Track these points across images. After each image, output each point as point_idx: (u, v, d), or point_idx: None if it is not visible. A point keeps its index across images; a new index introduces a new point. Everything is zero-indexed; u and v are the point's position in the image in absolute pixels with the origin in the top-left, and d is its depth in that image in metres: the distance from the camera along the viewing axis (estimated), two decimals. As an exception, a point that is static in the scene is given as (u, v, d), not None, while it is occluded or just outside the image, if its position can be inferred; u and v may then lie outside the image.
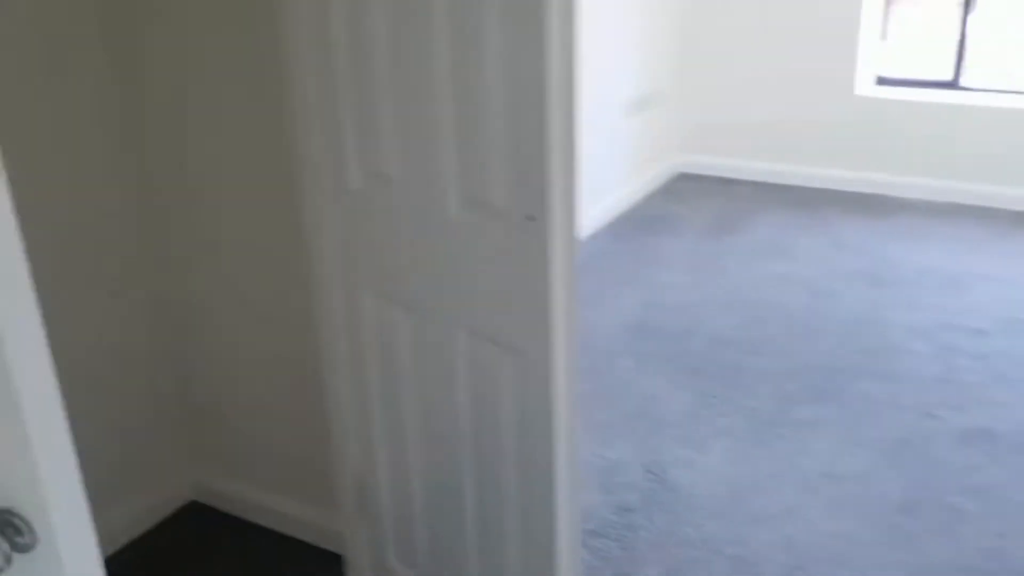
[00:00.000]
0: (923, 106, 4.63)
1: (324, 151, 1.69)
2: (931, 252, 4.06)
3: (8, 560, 0.78)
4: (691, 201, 4.89)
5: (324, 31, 1.59)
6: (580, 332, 1.50)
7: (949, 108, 4.56)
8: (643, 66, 4.74)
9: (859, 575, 2.17)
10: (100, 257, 2.17)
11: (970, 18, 4.56)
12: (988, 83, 4.71)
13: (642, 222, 4.62)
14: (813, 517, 2.38)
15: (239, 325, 2.24)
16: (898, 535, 2.30)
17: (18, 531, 0.80)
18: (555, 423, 1.51)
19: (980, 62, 4.70)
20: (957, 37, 4.61)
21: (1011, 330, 3.33)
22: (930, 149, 4.62)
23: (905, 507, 2.40)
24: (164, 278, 2.27)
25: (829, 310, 3.55)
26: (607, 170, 4.54)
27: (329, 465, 2.07)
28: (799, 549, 2.26)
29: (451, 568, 1.87)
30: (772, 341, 3.32)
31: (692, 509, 2.42)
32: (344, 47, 1.56)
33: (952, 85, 4.68)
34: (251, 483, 2.40)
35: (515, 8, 1.27)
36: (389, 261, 1.68)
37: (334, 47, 1.58)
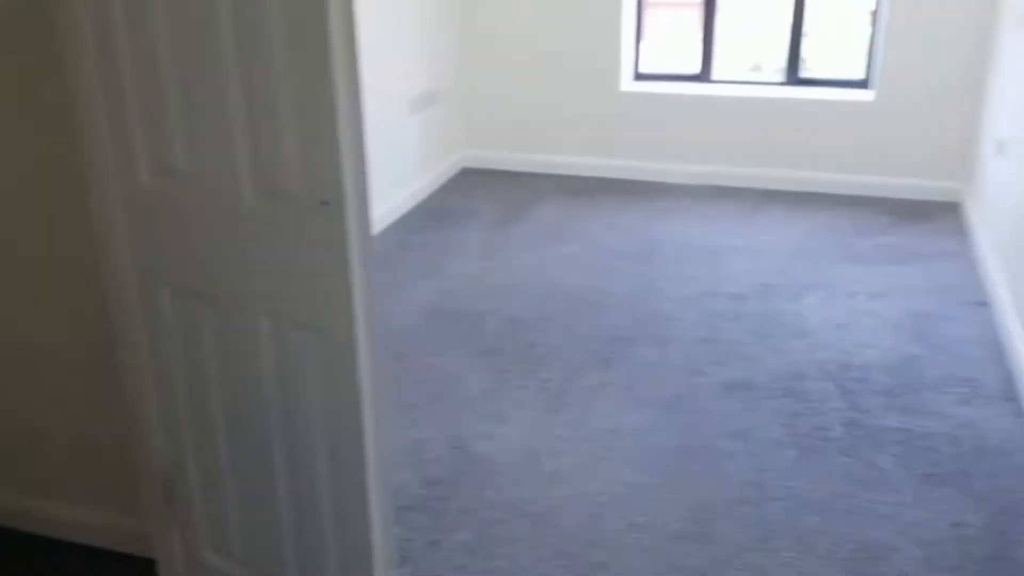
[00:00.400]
0: (677, 98, 5.09)
1: (112, 149, 1.68)
2: (693, 230, 4.50)
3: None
4: (478, 194, 5.10)
5: (104, 27, 1.59)
6: (380, 321, 1.60)
7: (700, 99, 5.06)
8: (424, 66, 4.89)
9: (644, 515, 2.43)
10: None
11: (715, 19, 5.06)
12: (733, 75, 5.27)
13: (433, 216, 4.78)
14: (602, 470, 2.62)
15: (26, 327, 2.15)
16: (676, 478, 2.59)
17: None
18: (363, 400, 1.60)
19: (726, 57, 5.25)
20: (703, 35, 5.11)
21: (763, 293, 3.77)
22: (686, 137, 5.10)
23: (680, 453, 2.70)
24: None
25: (607, 286, 3.86)
26: (396, 167, 4.65)
27: (131, 465, 2.04)
28: (591, 499, 2.49)
29: (268, 553, 1.91)
30: (559, 317, 3.57)
31: (494, 476, 2.59)
32: (126, 42, 1.58)
33: (701, 78, 5.18)
34: (37, 493, 2.31)
35: None
36: (187, 255, 1.71)
37: (116, 41, 1.59)
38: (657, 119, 5.13)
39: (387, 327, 3.44)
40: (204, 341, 1.76)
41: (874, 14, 4.79)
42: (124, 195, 1.73)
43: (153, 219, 1.73)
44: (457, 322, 3.55)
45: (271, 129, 1.46)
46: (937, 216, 4.60)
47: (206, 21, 1.46)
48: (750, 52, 6.01)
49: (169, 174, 1.65)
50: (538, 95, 5.27)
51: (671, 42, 5.83)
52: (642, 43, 5.25)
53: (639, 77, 5.28)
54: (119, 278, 1.83)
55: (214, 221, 1.62)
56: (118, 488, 2.17)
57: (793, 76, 5.02)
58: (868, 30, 4.86)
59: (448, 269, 4.07)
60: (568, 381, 3.10)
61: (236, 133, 1.51)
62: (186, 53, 1.52)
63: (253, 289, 1.64)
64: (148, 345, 1.85)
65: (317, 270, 1.52)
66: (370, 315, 1.57)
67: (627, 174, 5.24)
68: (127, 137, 1.66)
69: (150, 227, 1.74)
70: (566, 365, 3.21)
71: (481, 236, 4.47)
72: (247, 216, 1.57)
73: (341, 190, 1.41)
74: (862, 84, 4.90)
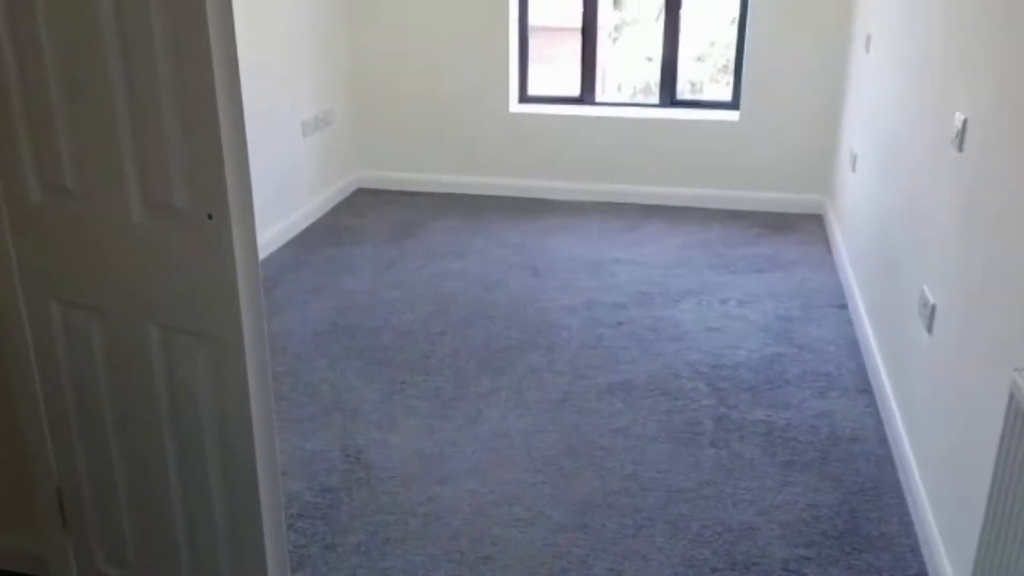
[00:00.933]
0: (562, 119, 5.33)
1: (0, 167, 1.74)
2: (578, 244, 4.72)
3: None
4: (373, 213, 5.20)
5: (-11, 52, 1.65)
6: (274, 337, 1.69)
7: (583, 120, 5.30)
8: (318, 88, 4.98)
9: (530, 511, 2.57)
10: None
11: (596, 44, 5.33)
12: (613, 97, 5.54)
13: (327, 235, 4.85)
14: (490, 471, 2.76)
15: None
16: (560, 475, 2.74)
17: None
18: (252, 405, 1.69)
19: (608, 80, 5.52)
20: (582, 60, 5.36)
21: (642, 302, 4.00)
22: (571, 156, 5.34)
23: (565, 452, 2.86)
24: None
25: (498, 299, 4.01)
26: (290, 188, 4.72)
27: (23, 483, 2.06)
28: (480, 498, 2.62)
29: (162, 561, 1.97)
30: (451, 329, 3.71)
31: (386, 481, 2.70)
32: (12, 61, 1.64)
33: (584, 100, 5.44)
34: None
35: (179, 13, 1.45)
36: (76, 268, 1.77)
37: (1, 61, 1.65)
38: (543, 139, 5.35)
39: (282, 344, 3.50)
40: (94, 353, 1.81)
41: (738, 40, 5.14)
42: (12, 211, 1.78)
43: (42, 234, 1.78)
44: (351, 337, 3.64)
45: (157, 146, 1.55)
46: (802, 227, 4.95)
47: (91, 39, 1.54)
48: (641, 75, 6.35)
49: (58, 191, 1.71)
50: (430, 116, 5.42)
51: (557, 66, 6.08)
52: (529, 66, 5.47)
53: (526, 99, 5.50)
54: (5, 293, 1.86)
55: (103, 236, 1.69)
56: (10, 507, 2.18)
57: (669, 98, 5.32)
58: (733, 54, 5.22)
59: (342, 286, 4.15)
60: (460, 389, 3.23)
61: (123, 150, 1.59)
62: (72, 71, 1.59)
63: (143, 301, 1.71)
64: (36, 359, 1.89)
65: (205, 281, 1.61)
66: (258, 322, 1.66)
67: (516, 192, 5.44)
68: (15, 155, 1.72)
69: (39, 242, 1.79)
70: (458, 374, 3.34)
71: (375, 253, 4.57)
72: (136, 230, 1.65)
73: (225, 204, 1.51)
74: (732, 105, 5.24)
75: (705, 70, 7.54)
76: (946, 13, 2.78)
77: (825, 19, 4.79)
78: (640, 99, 6.00)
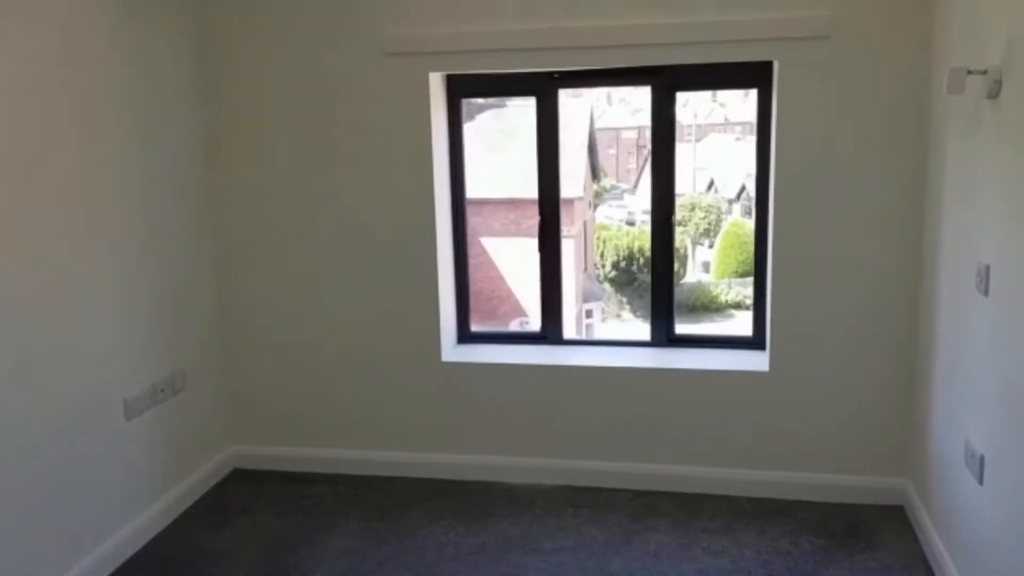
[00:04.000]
0: (515, 369, 3.74)
1: None
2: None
3: None
4: (241, 521, 3.53)
5: None
6: None
7: (547, 372, 3.71)
8: (162, 350, 3.43)
9: None
10: None
11: (560, 269, 3.87)
12: (586, 335, 4.01)
13: (162, 567, 3.16)
14: None
15: None
16: None
17: None
18: None
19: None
20: (542, 289, 3.88)
21: None
22: (529, 422, 3.73)
23: None
24: None
25: None
26: (99, 505, 3.07)
27: None
28: None
29: None
30: None
31: None
32: None
33: (547, 338, 3.91)
34: None
35: None
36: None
37: None
38: (489, 397, 3.76)
39: None
40: None
41: (758, 234, 3.66)
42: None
43: None
44: None
45: None
46: (880, 533, 3.28)
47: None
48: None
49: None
50: (327, 370, 3.86)
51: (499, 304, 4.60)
52: (470, 296, 3.98)
53: (468, 338, 3.97)
54: None
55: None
56: None
57: (664, 334, 3.80)
58: (752, 270, 3.73)
59: None
60: None
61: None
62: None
63: None
64: None
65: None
66: None
67: (452, 474, 3.80)
68: None
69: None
70: None
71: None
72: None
73: None
74: (755, 343, 3.71)
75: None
76: None
77: (894, 224, 3.32)
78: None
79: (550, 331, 3.91)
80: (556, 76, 3.65)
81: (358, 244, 3.71)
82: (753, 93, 3.54)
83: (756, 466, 3.56)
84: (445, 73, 3.66)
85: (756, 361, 3.58)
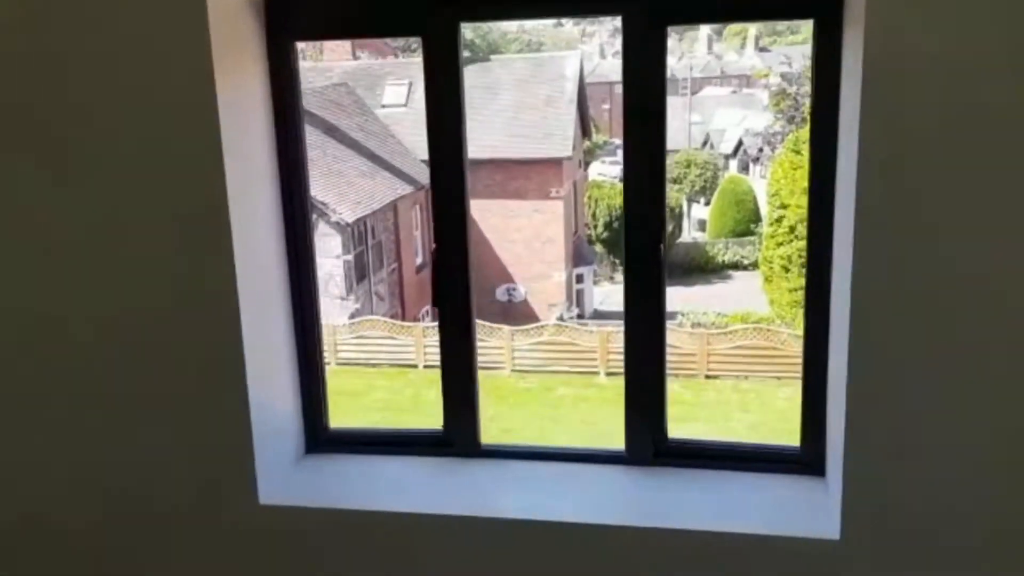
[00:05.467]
0: (404, 523, 2.17)
1: None
2: None
3: None
4: None
5: None
6: None
7: (452, 521, 2.14)
8: None
9: None
10: None
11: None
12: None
13: None
14: None
15: None
16: None
17: None
18: None
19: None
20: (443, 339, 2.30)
21: None
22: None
23: None
24: None
25: None
26: None
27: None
28: None
29: None
30: None
31: None
32: None
33: (452, 444, 2.34)
34: None
35: None
36: None
37: None
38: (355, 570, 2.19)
39: None
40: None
41: (808, 302, 2.10)
42: None
43: None
44: None
45: None
46: None
47: None
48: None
49: None
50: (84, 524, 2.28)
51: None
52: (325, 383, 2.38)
53: (321, 445, 2.39)
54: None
55: None
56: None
57: (650, 441, 2.23)
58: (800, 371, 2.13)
59: None
60: None
61: None
62: None
63: None
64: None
65: None
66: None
67: None
68: None
69: None
70: None
71: None
72: None
73: None
74: (804, 462, 2.14)
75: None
76: None
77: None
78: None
79: (458, 433, 2.33)
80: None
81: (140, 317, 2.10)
82: (802, 29, 1.95)
83: None
84: (254, -5, 2.05)
85: (810, 513, 2.00)
